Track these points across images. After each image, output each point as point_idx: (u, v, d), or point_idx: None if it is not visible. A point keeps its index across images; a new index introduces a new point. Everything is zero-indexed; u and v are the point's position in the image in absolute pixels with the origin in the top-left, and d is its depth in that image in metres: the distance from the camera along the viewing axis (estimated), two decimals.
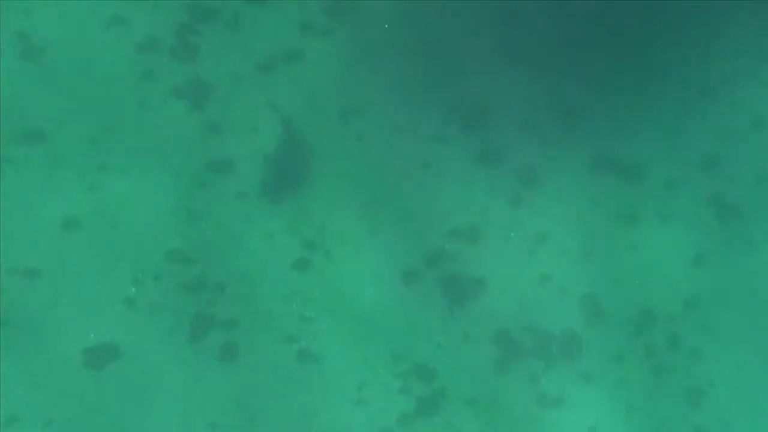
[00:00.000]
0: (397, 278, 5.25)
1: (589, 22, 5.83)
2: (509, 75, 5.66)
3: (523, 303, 5.32)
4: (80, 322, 4.98)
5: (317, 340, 5.16)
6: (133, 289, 5.00)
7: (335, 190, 5.24)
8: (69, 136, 5.13)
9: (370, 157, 5.30)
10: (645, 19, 5.91)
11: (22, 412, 4.81)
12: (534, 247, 5.37)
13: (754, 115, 5.82)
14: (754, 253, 5.56)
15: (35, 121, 5.11)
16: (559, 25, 5.78)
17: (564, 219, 5.47)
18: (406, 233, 5.31)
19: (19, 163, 5.06)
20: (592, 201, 5.53)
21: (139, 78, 5.22)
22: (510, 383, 5.17)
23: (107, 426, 4.76)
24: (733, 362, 5.32)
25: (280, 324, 5.08)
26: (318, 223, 5.20)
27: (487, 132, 5.52)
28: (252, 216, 5.19)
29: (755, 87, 5.83)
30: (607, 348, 5.31)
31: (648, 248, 5.52)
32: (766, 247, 5.58)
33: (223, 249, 5.16)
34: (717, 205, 5.63)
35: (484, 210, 5.38)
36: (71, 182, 5.11)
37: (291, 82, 5.36)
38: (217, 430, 4.82)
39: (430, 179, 5.35)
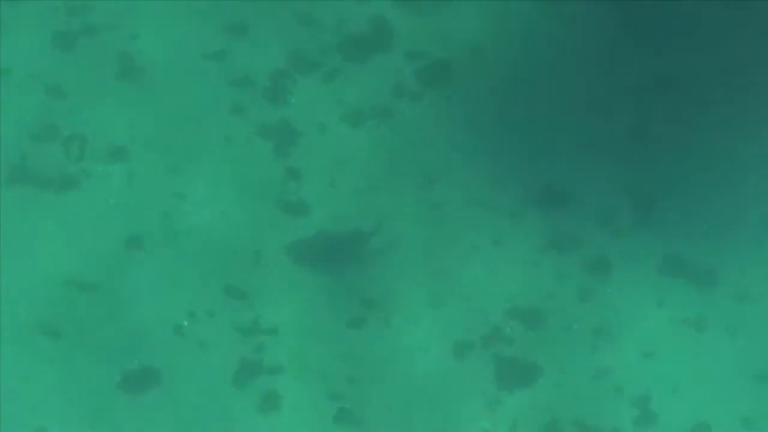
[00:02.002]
0: (451, 354, 5.15)
1: (679, 119, 5.83)
2: (591, 163, 5.64)
3: (576, 397, 5.15)
4: (128, 344, 4.98)
5: (360, 404, 5.05)
6: (186, 323, 5.00)
7: (403, 256, 5.20)
8: (151, 159, 5.22)
9: (442, 227, 5.27)
10: (736, 118, 5.90)
11: (51, 427, 4.80)
12: (596, 342, 5.22)
13: None
14: None
15: (121, 140, 5.22)
16: (648, 120, 5.79)
17: (628, 317, 5.35)
18: (467, 308, 5.22)
19: (98, 178, 5.15)
20: (658, 302, 5.40)
21: (229, 113, 5.31)
22: None
23: None
24: None
25: (326, 381, 4.99)
26: (381, 285, 5.15)
27: (561, 217, 5.45)
28: (317, 267, 5.22)
29: None
30: None
31: (711, 358, 5.35)
32: None
33: (282, 295, 5.15)
34: None
35: (550, 296, 5.28)
36: (145, 205, 5.17)
37: (375, 141, 5.42)
38: None
39: (498, 257, 5.30)
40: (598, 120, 5.86)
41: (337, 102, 5.40)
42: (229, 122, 5.27)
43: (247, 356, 4.91)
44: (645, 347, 5.31)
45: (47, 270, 4.89)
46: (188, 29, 5.38)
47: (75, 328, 4.87)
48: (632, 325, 5.31)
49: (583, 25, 5.94)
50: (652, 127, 5.98)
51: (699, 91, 5.90)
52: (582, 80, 5.82)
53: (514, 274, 5.31)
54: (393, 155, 5.44)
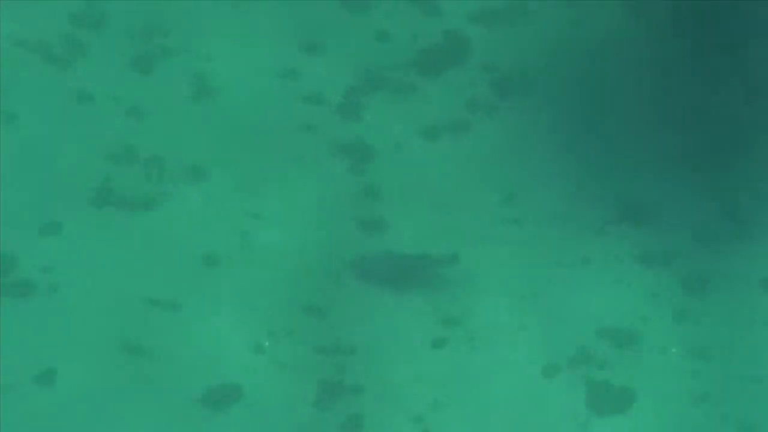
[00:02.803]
0: (538, 377, 4.89)
1: None
2: (682, 175, 5.35)
3: (676, 424, 4.76)
4: (208, 362, 4.92)
5: (444, 427, 4.80)
6: (267, 343, 4.93)
7: (486, 274, 5.02)
8: (227, 179, 5.23)
9: (525, 245, 5.08)
10: None
11: None
12: (694, 365, 4.89)
13: None
14: None
15: (198, 160, 5.26)
16: (740, 130, 5.51)
17: (730, 338, 4.99)
18: (554, 329, 4.96)
19: (177, 198, 5.19)
20: (763, 323, 5.06)
21: (304, 131, 5.29)
22: None
23: None
24: None
25: (409, 403, 4.82)
26: (463, 305, 4.97)
27: (653, 232, 5.17)
28: (397, 286, 5.10)
29: None
30: None
31: None
32: None
33: (362, 314, 5.05)
34: None
35: (643, 316, 4.98)
36: (223, 225, 5.16)
37: (452, 156, 5.29)
38: None
39: (586, 275, 5.05)
40: (687, 130, 5.60)
41: (413, 117, 5.31)
42: (304, 140, 5.23)
43: (327, 376, 4.80)
44: (751, 370, 4.95)
45: (129, 289, 4.93)
46: (261, 48, 5.41)
47: (157, 345, 4.87)
48: (734, 346, 4.97)
49: (665, 32, 5.72)
50: (745, 136, 5.70)
51: None
52: (668, 88, 5.59)
53: (603, 294, 5.04)
54: (470, 171, 5.29)
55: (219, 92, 5.31)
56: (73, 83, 5.22)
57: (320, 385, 4.81)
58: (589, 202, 5.20)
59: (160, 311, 4.93)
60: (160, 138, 5.21)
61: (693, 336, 4.96)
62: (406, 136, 5.24)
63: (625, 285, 5.07)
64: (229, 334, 4.92)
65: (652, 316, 4.99)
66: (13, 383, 4.76)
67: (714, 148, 5.47)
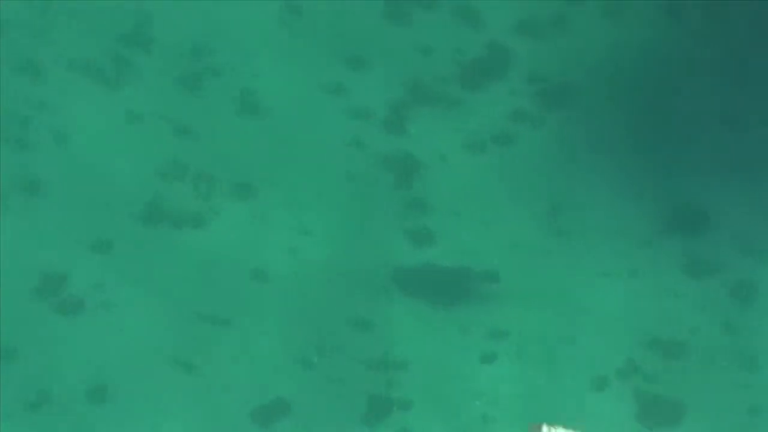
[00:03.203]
0: (588, 390, 4.87)
1: None
2: (729, 184, 5.31)
3: None
4: (257, 377, 4.96)
5: None
6: (315, 358, 4.96)
7: (533, 287, 5.03)
8: (275, 195, 5.28)
9: (572, 257, 5.07)
10: None
11: None
12: (746, 376, 4.85)
13: None
14: None
15: (246, 177, 5.32)
16: None
17: None
18: (603, 341, 4.95)
19: (226, 215, 5.24)
20: None
21: (350, 146, 5.33)
22: None
23: None
24: None
25: (459, 418, 4.82)
26: (512, 319, 4.97)
27: (701, 242, 5.15)
28: (445, 300, 5.12)
29: None
30: None
31: None
32: None
33: (410, 329, 5.04)
34: None
35: (692, 327, 4.95)
36: (272, 241, 5.22)
37: (497, 168, 5.29)
38: None
39: (634, 286, 5.03)
40: (734, 137, 5.53)
41: (458, 130, 5.32)
42: (350, 155, 5.27)
43: (376, 391, 4.83)
44: None
45: (179, 305, 4.99)
46: (307, 65, 5.45)
47: (206, 361, 4.92)
48: None
49: (710, 37, 5.67)
50: None
51: None
52: (714, 95, 5.53)
53: (652, 305, 5.02)
54: (516, 182, 5.29)
55: (266, 109, 5.36)
56: (123, 103, 5.31)
57: (369, 400, 4.84)
58: (636, 212, 5.18)
59: (209, 327, 4.98)
60: (208, 155, 5.27)
61: (742, 347, 4.92)
62: (451, 148, 5.25)
63: (673, 296, 5.03)
64: (278, 349, 4.97)
65: (701, 327, 4.95)
66: (65, 399, 4.85)
67: (758, 154, 5.41)
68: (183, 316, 5.01)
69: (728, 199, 5.32)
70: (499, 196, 5.22)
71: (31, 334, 4.78)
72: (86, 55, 5.31)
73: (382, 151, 5.28)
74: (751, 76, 5.67)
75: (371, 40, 5.44)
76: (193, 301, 5.06)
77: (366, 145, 5.30)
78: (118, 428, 4.75)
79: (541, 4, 5.45)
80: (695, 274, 5.10)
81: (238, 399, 4.80)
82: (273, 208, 5.22)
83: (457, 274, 5.09)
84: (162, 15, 5.41)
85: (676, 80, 5.52)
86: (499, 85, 5.40)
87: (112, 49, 5.33)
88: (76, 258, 5.06)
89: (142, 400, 4.82)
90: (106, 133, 5.28)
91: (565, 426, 3.73)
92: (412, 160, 5.25)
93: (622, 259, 5.12)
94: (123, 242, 5.12)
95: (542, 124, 5.37)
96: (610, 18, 5.60)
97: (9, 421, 4.48)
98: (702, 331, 4.95)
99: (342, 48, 5.42)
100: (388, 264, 5.09)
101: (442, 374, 4.88)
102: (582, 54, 5.51)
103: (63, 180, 5.19)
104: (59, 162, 5.23)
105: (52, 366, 4.77)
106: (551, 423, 3.69)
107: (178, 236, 5.19)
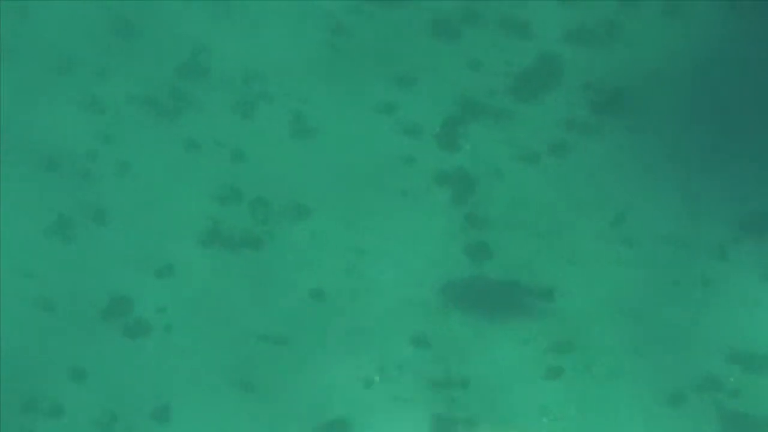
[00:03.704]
0: (665, 407, 4.66)
1: None
2: None
3: None
4: (319, 397, 4.99)
5: None
6: (377, 378, 4.92)
7: (598, 298, 4.85)
8: (331, 216, 5.31)
9: (638, 267, 4.88)
10: None
11: None
12: None
13: None
14: None
15: (301, 199, 5.38)
16: None
17: None
18: (677, 355, 4.72)
19: (282, 236, 5.32)
20: None
21: (404, 164, 5.32)
22: None
23: None
24: None
25: None
26: (578, 332, 4.80)
27: None
28: (503, 315, 4.99)
29: None
30: None
31: None
32: None
33: (470, 346, 4.95)
34: None
35: None
36: (329, 261, 5.24)
37: (555, 179, 5.17)
38: None
39: (709, 296, 4.78)
40: None
41: (512, 143, 5.22)
42: (405, 173, 5.26)
43: (440, 410, 4.74)
44: None
45: (240, 326, 5.07)
46: (356, 85, 5.49)
47: (267, 381, 4.97)
48: None
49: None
50: None
51: None
52: None
53: (729, 316, 4.76)
54: (575, 193, 5.14)
55: (318, 131, 5.43)
56: (181, 132, 5.47)
57: (433, 419, 4.75)
58: (705, 219, 4.94)
59: (270, 347, 5.03)
60: (263, 179, 5.37)
61: None
62: (507, 162, 5.17)
63: (752, 306, 4.76)
64: (339, 369, 4.96)
65: None
66: (131, 419, 4.98)
67: None
68: (244, 337, 5.08)
69: None
70: (558, 207, 5.07)
71: (99, 356, 4.95)
72: (145, 89, 5.52)
73: (436, 168, 5.23)
74: None
75: (420, 58, 5.42)
76: (253, 321, 5.13)
77: (420, 162, 5.27)
78: None
79: (592, 9, 5.34)
80: None
81: (299, 418, 4.81)
82: (329, 228, 5.25)
83: (516, 288, 4.96)
84: (215, 46, 5.58)
85: (741, 82, 5.28)
86: (553, 95, 5.29)
87: (169, 81, 5.52)
88: (141, 282, 5.23)
89: (204, 420, 4.92)
90: (166, 162, 5.47)
91: None
92: (467, 175, 5.20)
93: (692, 267, 4.87)
94: (184, 266, 5.24)
95: (599, 133, 5.20)
96: (667, 19, 5.43)
97: None
98: None
99: (391, 67, 5.44)
100: (445, 280, 5.03)
101: (506, 391, 4.75)
102: (638, 58, 5.34)
103: (126, 208, 5.37)
104: (123, 191, 5.43)
105: (119, 386, 4.93)
106: None
107: (237, 258, 5.27)
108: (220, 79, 5.60)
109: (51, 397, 4.96)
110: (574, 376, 4.70)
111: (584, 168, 5.14)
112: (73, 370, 4.89)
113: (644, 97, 5.29)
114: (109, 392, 4.90)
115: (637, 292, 4.83)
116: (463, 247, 5.05)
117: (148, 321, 5.11)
